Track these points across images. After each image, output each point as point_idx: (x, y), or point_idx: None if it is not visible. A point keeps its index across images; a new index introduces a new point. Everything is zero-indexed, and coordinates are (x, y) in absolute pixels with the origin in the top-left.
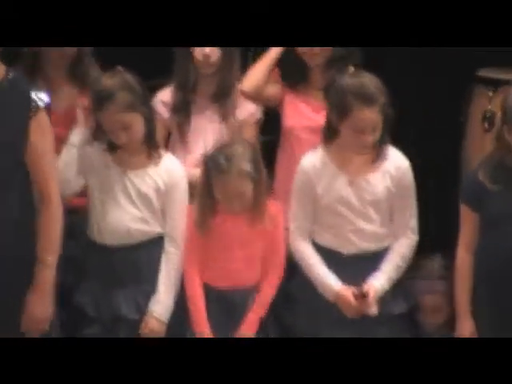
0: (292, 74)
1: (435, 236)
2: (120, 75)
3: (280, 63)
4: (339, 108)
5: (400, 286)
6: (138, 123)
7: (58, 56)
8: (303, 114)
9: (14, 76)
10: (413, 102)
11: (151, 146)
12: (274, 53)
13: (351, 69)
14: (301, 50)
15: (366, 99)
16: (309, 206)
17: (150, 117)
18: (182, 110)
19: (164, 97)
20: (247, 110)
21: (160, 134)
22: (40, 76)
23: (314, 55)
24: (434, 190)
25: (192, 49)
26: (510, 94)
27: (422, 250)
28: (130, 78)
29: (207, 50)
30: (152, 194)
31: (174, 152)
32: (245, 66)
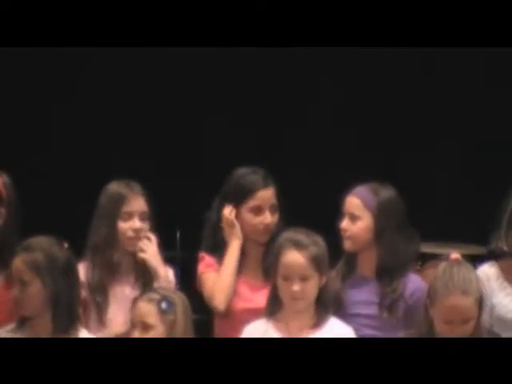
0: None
1: None
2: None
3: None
4: (275, 255)
5: None
6: (36, 288)
7: None
8: (242, 296)
9: None
10: None
11: (59, 326)
12: (234, 259)
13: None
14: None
15: (296, 242)
16: None
17: (55, 292)
18: (100, 290)
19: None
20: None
21: None
22: None
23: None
24: None
25: (118, 225)
26: (439, 271)
27: None
28: (57, 252)
29: (137, 224)
30: None
31: (88, 325)
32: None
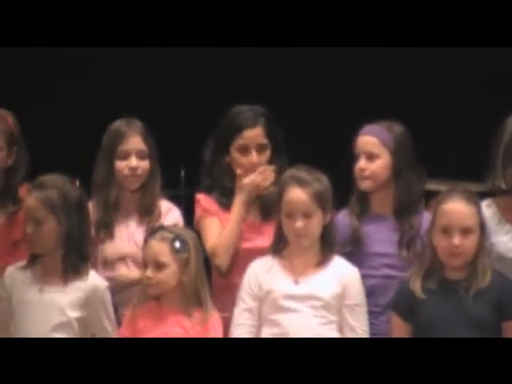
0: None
1: None
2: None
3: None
4: (278, 193)
5: None
6: (50, 225)
7: None
8: (243, 236)
9: None
10: None
11: (70, 264)
12: (237, 220)
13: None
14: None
15: (299, 179)
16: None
17: (68, 230)
18: (104, 227)
19: None
20: (172, 219)
21: None
22: None
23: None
24: None
25: (116, 164)
26: (442, 194)
27: None
28: (70, 189)
29: (134, 162)
30: (71, 311)
31: (95, 264)
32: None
